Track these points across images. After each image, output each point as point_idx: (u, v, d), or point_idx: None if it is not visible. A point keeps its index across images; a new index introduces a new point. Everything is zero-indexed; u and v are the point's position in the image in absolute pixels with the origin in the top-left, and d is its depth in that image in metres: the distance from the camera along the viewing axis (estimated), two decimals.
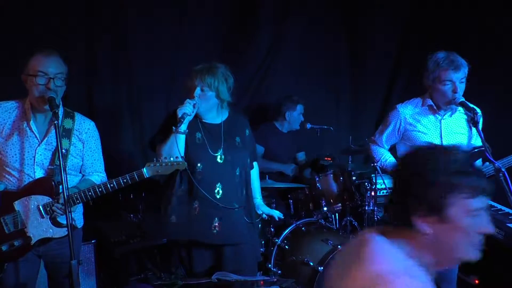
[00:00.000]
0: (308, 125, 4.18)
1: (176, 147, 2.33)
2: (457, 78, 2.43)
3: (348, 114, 4.96)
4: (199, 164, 2.42)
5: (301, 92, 4.39)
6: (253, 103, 4.47)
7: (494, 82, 4.01)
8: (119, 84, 3.88)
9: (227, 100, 2.53)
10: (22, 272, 2.26)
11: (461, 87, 2.46)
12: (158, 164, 2.25)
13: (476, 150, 2.52)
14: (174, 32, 3.98)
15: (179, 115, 2.33)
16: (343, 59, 4.82)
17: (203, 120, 2.54)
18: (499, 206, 3.51)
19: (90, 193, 2.22)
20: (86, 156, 2.38)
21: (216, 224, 2.44)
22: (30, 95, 2.22)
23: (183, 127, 2.37)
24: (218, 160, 2.46)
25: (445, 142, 2.56)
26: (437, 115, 2.58)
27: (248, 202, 2.61)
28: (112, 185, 2.23)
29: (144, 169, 2.25)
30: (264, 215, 2.82)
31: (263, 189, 3.06)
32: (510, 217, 3.31)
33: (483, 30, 4.13)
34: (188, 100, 2.40)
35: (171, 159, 2.26)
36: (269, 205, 3.56)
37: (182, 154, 2.36)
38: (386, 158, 2.79)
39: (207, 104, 2.46)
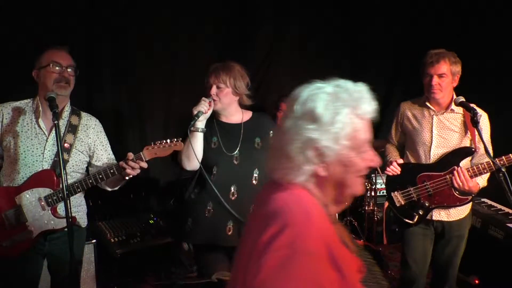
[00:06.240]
0: None
1: (192, 147, 2.30)
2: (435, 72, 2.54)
3: None
4: (215, 167, 2.38)
5: None
6: (253, 103, 4.45)
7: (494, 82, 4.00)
8: (119, 84, 3.88)
9: (246, 95, 2.49)
10: (24, 272, 2.25)
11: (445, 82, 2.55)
12: (155, 147, 2.24)
13: (462, 149, 2.60)
14: (174, 32, 3.97)
15: (194, 113, 2.30)
16: (343, 59, 4.82)
17: (221, 120, 2.49)
18: (499, 206, 3.52)
19: (90, 181, 2.24)
20: (98, 151, 2.41)
21: (230, 226, 2.39)
22: (42, 90, 2.25)
23: (200, 125, 2.35)
24: (234, 161, 2.41)
25: (435, 137, 2.66)
26: (431, 111, 2.69)
27: None
28: (112, 171, 2.24)
29: (142, 152, 2.23)
30: None
31: None
32: (510, 217, 3.31)
33: (483, 29, 4.14)
34: (203, 98, 2.37)
35: (168, 140, 2.24)
36: None
37: (201, 155, 2.34)
38: (390, 157, 2.92)
39: (225, 101, 2.42)
